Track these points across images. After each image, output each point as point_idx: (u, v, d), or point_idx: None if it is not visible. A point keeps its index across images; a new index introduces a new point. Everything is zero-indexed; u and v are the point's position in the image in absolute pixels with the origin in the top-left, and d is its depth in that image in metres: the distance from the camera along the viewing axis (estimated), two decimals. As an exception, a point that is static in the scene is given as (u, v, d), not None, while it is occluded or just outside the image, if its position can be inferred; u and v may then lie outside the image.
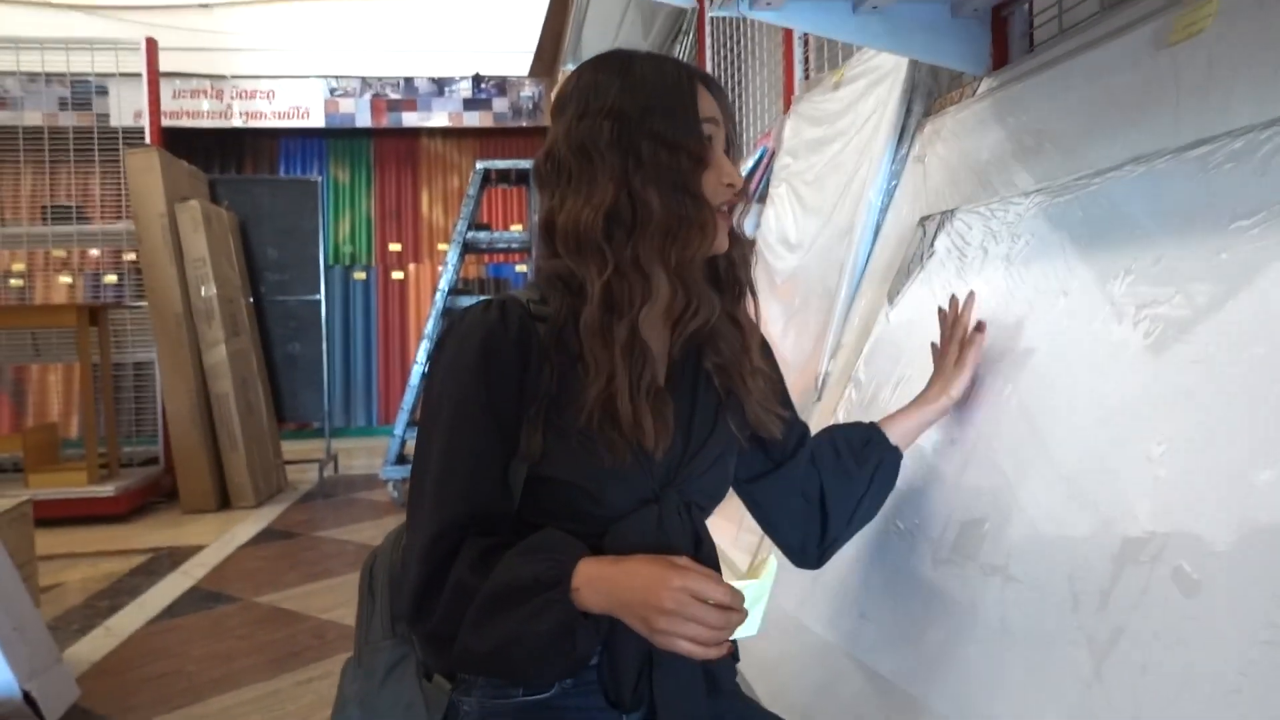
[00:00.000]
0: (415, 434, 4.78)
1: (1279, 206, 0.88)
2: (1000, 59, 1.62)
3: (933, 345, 1.30)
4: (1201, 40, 1.09)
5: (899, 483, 1.18)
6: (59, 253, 5.29)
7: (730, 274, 1.00)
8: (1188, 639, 0.78)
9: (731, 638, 0.84)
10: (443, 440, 0.91)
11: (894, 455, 1.17)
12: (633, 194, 0.89)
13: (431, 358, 0.96)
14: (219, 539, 4.10)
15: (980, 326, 1.24)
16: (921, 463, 1.29)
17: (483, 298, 1.02)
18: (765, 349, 1.08)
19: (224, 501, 4.81)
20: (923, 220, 1.65)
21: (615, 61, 0.94)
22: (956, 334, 1.25)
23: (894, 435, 1.18)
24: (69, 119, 5.19)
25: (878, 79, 2.07)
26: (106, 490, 4.43)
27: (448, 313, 4.76)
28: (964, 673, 1.04)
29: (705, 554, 0.96)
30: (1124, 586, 0.87)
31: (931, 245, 1.56)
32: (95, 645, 2.72)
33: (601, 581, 0.83)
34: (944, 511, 1.20)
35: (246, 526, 4.36)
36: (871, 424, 1.19)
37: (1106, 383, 1.01)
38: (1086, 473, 0.99)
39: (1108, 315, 1.06)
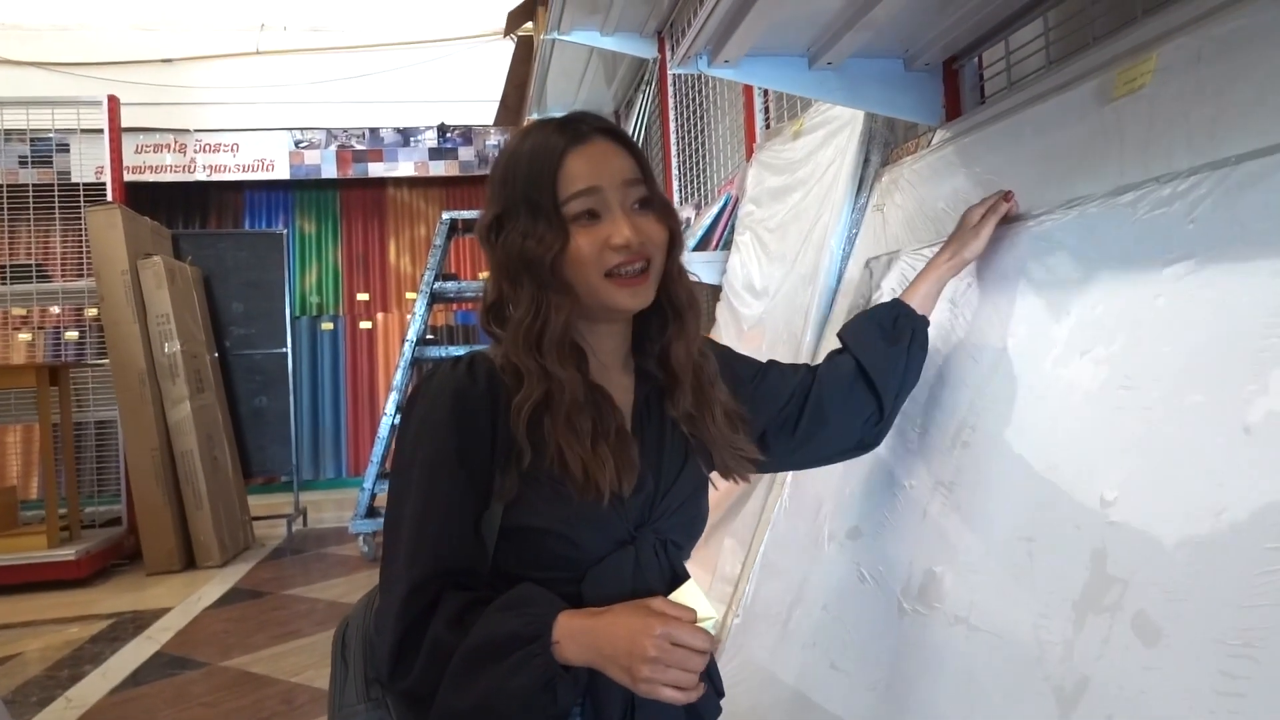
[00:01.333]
0: (386, 488, 4.70)
1: (1207, 254, 0.91)
2: (953, 110, 1.66)
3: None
4: (1142, 95, 1.12)
5: (864, 527, 1.20)
6: (19, 311, 5.21)
7: (675, 319, 1.01)
8: (1150, 689, 0.79)
9: None
10: (416, 496, 0.92)
11: (924, 323, 1.25)
12: (508, 284, 0.95)
13: (402, 415, 0.98)
14: (184, 601, 4.01)
15: (1008, 195, 1.28)
16: (885, 507, 1.30)
17: (452, 348, 1.07)
18: (729, 372, 1.10)
19: (189, 561, 4.71)
20: (869, 262, 1.67)
21: (514, 141, 0.99)
22: (988, 201, 1.29)
23: (917, 304, 1.25)
24: (29, 176, 5.14)
25: (836, 129, 2.12)
26: (67, 554, 4.32)
27: (417, 363, 4.73)
28: None
29: None
30: (1088, 635, 0.87)
31: (879, 286, 1.59)
32: (56, 718, 2.63)
33: (582, 634, 0.84)
34: (907, 558, 1.21)
35: (212, 587, 4.26)
36: (895, 300, 1.27)
37: (1057, 426, 1.03)
38: (1041, 517, 1.00)
39: (1055, 359, 1.08)
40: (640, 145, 3.31)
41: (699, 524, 1.05)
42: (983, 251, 1.28)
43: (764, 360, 1.22)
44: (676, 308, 1.01)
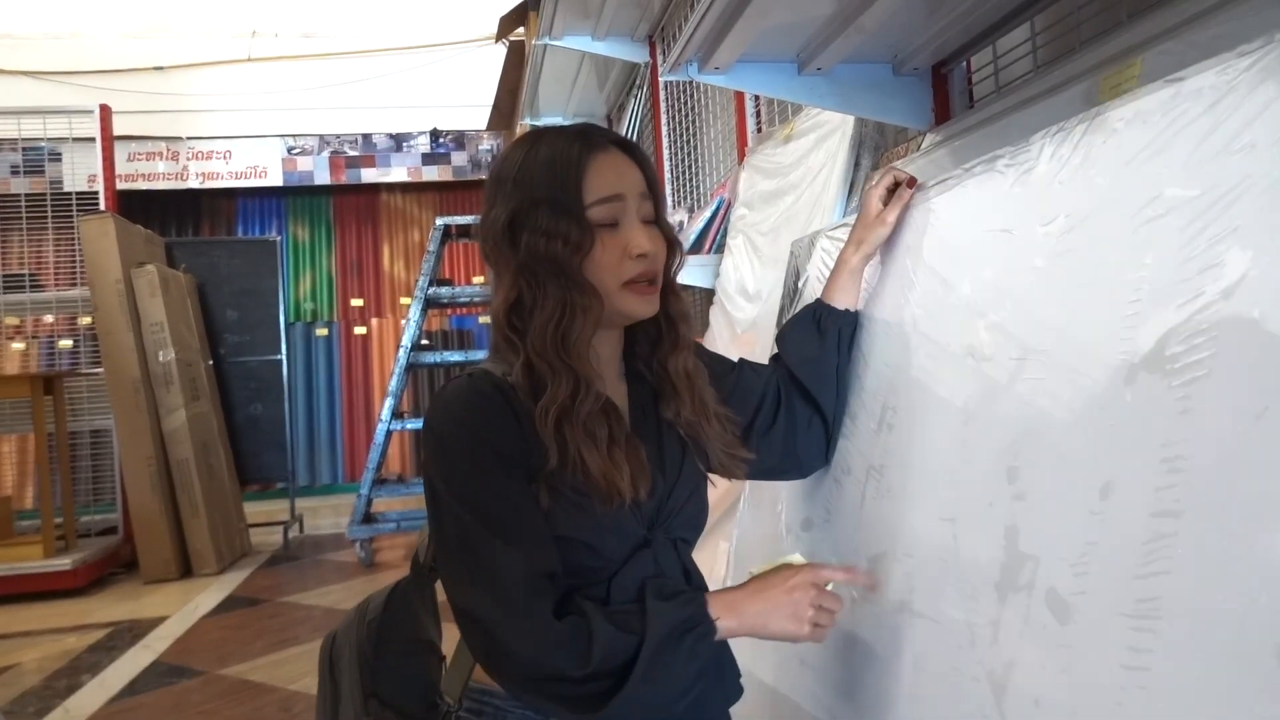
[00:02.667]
0: (382, 492, 4.66)
1: (1076, 211, 0.91)
2: (943, 114, 1.68)
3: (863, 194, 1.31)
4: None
5: (814, 517, 1.21)
6: (12, 320, 5.20)
7: (670, 330, 1.03)
8: (1068, 667, 0.80)
9: None
10: (479, 513, 0.89)
11: (848, 318, 1.24)
12: (528, 285, 0.94)
13: (425, 444, 0.95)
14: (181, 609, 4.01)
15: (912, 182, 1.21)
16: (830, 495, 1.29)
17: (447, 354, 1.06)
18: (708, 371, 1.10)
19: (186, 569, 4.70)
20: (793, 244, 1.62)
21: (522, 146, 0.99)
22: (884, 181, 1.23)
23: (839, 301, 1.24)
24: (21, 185, 5.13)
25: (827, 133, 2.13)
26: (63, 563, 4.31)
27: (412, 368, 4.73)
28: (893, 715, 1.05)
29: (695, 585, 1.02)
30: (1009, 615, 0.88)
31: (804, 270, 1.55)
32: (53, 728, 2.64)
33: (737, 603, 0.93)
34: (852, 546, 1.21)
35: (209, 595, 4.26)
36: (816, 302, 1.26)
37: (958, 403, 1.03)
38: (961, 497, 1.00)
39: (957, 330, 1.07)
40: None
41: (703, 517, 1.07)
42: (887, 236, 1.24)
43: (735, 359, 1.22)
44: (672, 319, 1.03)
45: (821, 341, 1.22)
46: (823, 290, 1.26)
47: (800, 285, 1.56)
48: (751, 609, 0.93)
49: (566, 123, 5.01)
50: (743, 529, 1.67)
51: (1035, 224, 0.96)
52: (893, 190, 1.22)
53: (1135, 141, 0.84)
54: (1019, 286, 0.97)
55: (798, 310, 1.32)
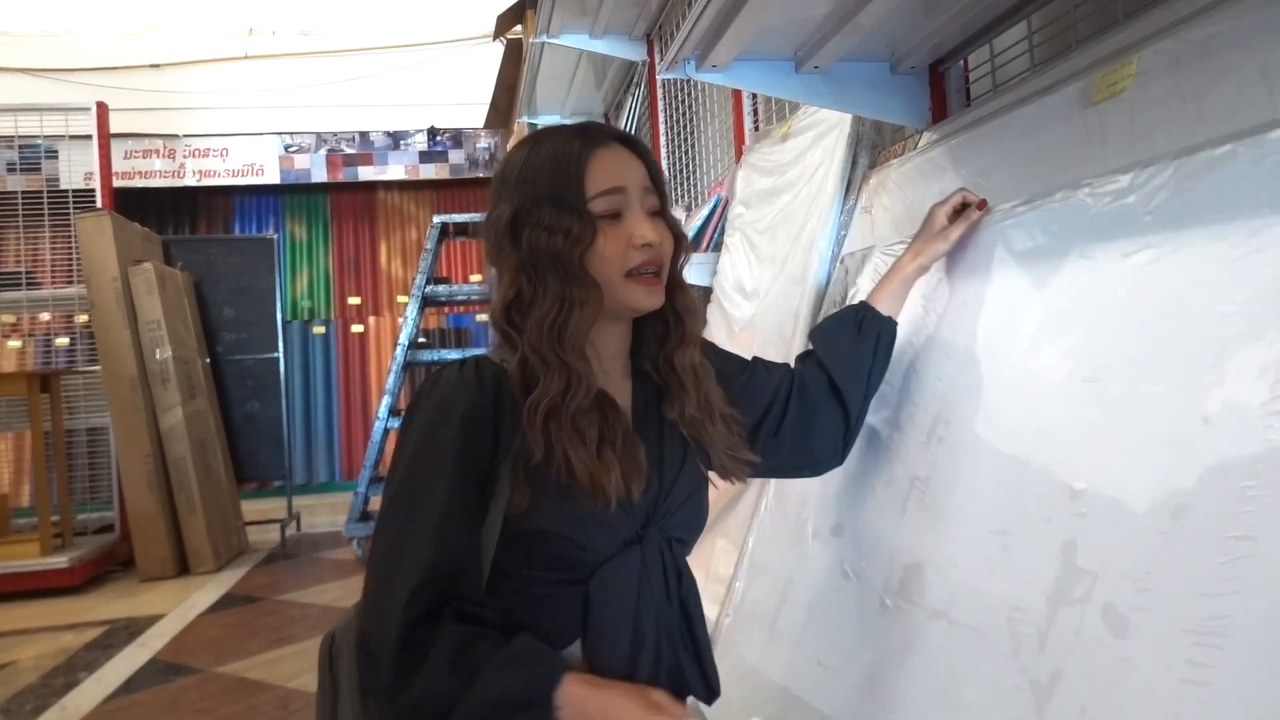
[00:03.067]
0: (379, 490, 4.69)
1: (1166, 246, 0.92)
2: (940, 113, 1.68)
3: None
4: (1124, 99, 1.14)
5: (846, 524, 1.21)
6: (8, 318, 5.19)
7: (677, 325, 1.03)
8: (1120, 680, 0.80)
9: None
10: (413, 499, 0.91)
11: (890, 325, 1.25)
12: (528, 281, 0.94)
13: (404, 417, 0.98)
14: (178, 607, 4.00)
15: (982, 204, 1.26)
16: (866, 503, 1.31)
17: (444, 352, 1.06)
18: (718, 371, 1.10)
19: (183, 567, 4.70)
20: (844, 258, 1.67)
21: (525, 146, 1.00)
22: (953, 199, 1.27)
23: (884, 306, 1.25)
24: (18, 183, 5.12)
25: (824, 131, 2.13)
26: (60, 561, 4.31)
27: (409, 367, 4.73)
28: (921, 717, 1.05)
29: (686, 587, 1.01)
30: (1060, 627, 0.89)
31: (855, 282, 1.59)
32: (50, 726, 2.64)
33: (583, 704, 0.86)
34: (888, 554, 1.22)
35: (206, 593, 4.26)
36: (860, 303, 1.27)
37: (1027, 421, 1.04)
38: (1013, 510, 1.01)
39: (1024, 351, 1.09)
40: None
41: (701, 519, 1.07)
42: (948, 252, 1.28)
43: (749, 358, 1.23)
44: (679, 314, 1.03)
45: (859, 341, 1.22)
46: (870, 293, 1.28)
47: (850, 297, 1.58)
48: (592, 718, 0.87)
49: (565, 121, 5.03)
50: (762, 531, 1.68)
51: (1118, 254, 0.98)
52: (960, 209, 1.25)
53: (1230, 179, 0.86)
54: (1097, 312, 0.99)
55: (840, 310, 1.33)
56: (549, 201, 0.94)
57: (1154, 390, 0.88)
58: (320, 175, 7.56)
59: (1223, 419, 0.79)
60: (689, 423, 1.04)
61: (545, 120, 4.97)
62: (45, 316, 5.24)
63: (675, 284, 1.03)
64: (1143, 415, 0.88)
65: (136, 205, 6.52)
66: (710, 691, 1.04)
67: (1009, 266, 1.19)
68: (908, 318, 1.33)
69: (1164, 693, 0.76)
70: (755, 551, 1.66)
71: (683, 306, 1.04)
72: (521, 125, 5.43)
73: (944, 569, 1.10)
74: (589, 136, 0.98)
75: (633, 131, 4.34)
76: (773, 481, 1.74)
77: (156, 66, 7.10)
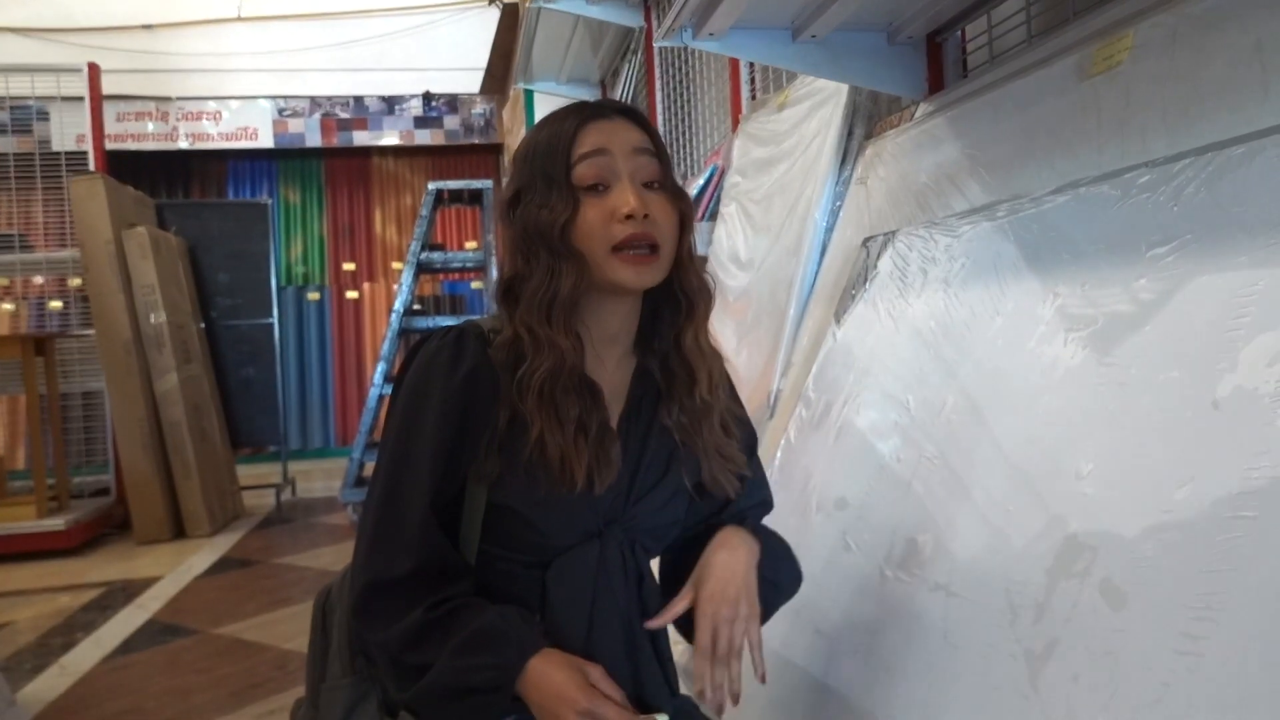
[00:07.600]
0: (374, 456, 4.73)
1: (1189, 237, 0.93)
2: (936, 84, 1.68)
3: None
4: (1119, 73, 1.14)
5: (850, 498, 1.22)
6: (2, 281, 5.17)
7: (687, 305, 0.99)
8: (1114, 650, 0.83)
9: None
10: (391, 469, 0.94)
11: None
12: (523, 258, 0.95)
13: (394, 385, 0.99)
14: (174, 570, 4.03)
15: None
16: (872, 478, 1.33)
17: (439, 318, 1.07)
18: (733, 394, 1.07)
19: (178, 531, 4.73)
20: (866, 241, 1.69)
21: (539, 125, 1.00)
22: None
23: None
24: (9, 144, 5.08)
25: (821, 101, 2.13)
26: (57, 524, 4.33)
27: (404, 333, 4.73)
28: (912, 687, 1.08)
29: (648, 590, 0.99)
30: (1057, 600, 0.91)
31: (875, 266, 1.61)
32: (50, 684, 2.66)
33: (543, 684, 0.87)
34: (891, 528, 1.24)
35: (202, 556, 4.29)
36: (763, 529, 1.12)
37: (1038, 403, 1.06)
38: (1020, 489, 1.04)
39: (1039, 337, 1.11)
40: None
41: (672, 531, 1.04)
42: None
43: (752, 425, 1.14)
44: (687, 294, 0.99)
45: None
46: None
47: (869, 279, 1.59)
48: (531, 695, 0.87)
49: (560, 87, 4.94)
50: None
51: (1142, 244, 0.99)
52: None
53: (1256, 174, 0.88)
54: (1115, 300, 1.01)
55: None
56: (541, 178, 0.94)
57: (1166, 376, 0.90)
58: (315, 140, 7.49)
59: (1231, 404, 0.82)
60: (684, 426, 1.00)
61: (541, 87, 4.93)
62: (39, 280, 5.22)
63: (680, 263, 0.97)
64: (1154, 399, 0.90)
65: (129, 168, 6.45)
66: (670, 692, 1.02)
67: (1030, 255, 1.20)
68: (927, 303, 1.35)
69: (1157, 663, 0.78)
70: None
71: (690, 286, 0.98)
72: (517, 91, 5.38)
73: (946, 544, 1.12)
74: (582, 111, 0.97)
75: (629, 100, 4.31)
76: (778, 456, 1.76)
77: (149, 27, 7.00)
